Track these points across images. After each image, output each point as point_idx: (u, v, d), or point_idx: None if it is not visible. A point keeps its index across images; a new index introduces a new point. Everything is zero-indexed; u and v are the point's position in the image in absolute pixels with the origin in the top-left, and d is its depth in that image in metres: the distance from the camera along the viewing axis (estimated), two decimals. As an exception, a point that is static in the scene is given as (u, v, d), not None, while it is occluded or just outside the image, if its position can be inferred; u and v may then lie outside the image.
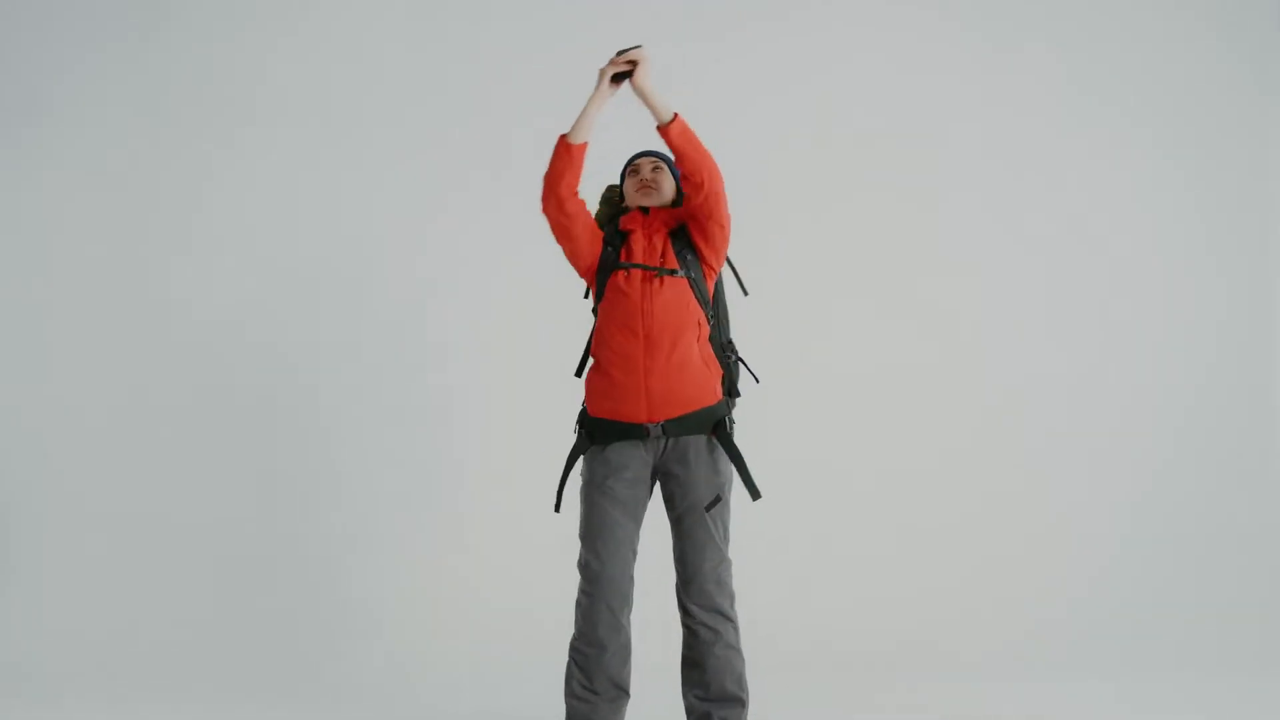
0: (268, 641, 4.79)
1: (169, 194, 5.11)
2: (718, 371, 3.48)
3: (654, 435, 3.40)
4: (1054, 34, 5.48)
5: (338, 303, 5.10)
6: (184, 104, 5.12)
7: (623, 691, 3.49)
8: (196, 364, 5.05)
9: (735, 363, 3.59)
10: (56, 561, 4.95)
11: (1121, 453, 5.38)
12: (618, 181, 3.71)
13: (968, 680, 4.60)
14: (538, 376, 4.48)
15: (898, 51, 5.40)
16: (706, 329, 3.45)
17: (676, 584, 3.51)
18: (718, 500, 3.40)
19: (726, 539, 3.46)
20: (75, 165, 5.09)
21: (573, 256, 3.55)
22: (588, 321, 3.67)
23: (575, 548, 3.57)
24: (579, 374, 3.58)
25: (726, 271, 3.65)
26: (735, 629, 3.44)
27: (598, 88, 3.39)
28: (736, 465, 3.42)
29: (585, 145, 3.42)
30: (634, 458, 3.45)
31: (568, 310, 3.97)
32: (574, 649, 3.50)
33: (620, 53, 3.37)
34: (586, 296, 3.65)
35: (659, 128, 3.36)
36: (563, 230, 3.48)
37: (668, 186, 3.57)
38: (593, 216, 3.57)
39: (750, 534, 4.87)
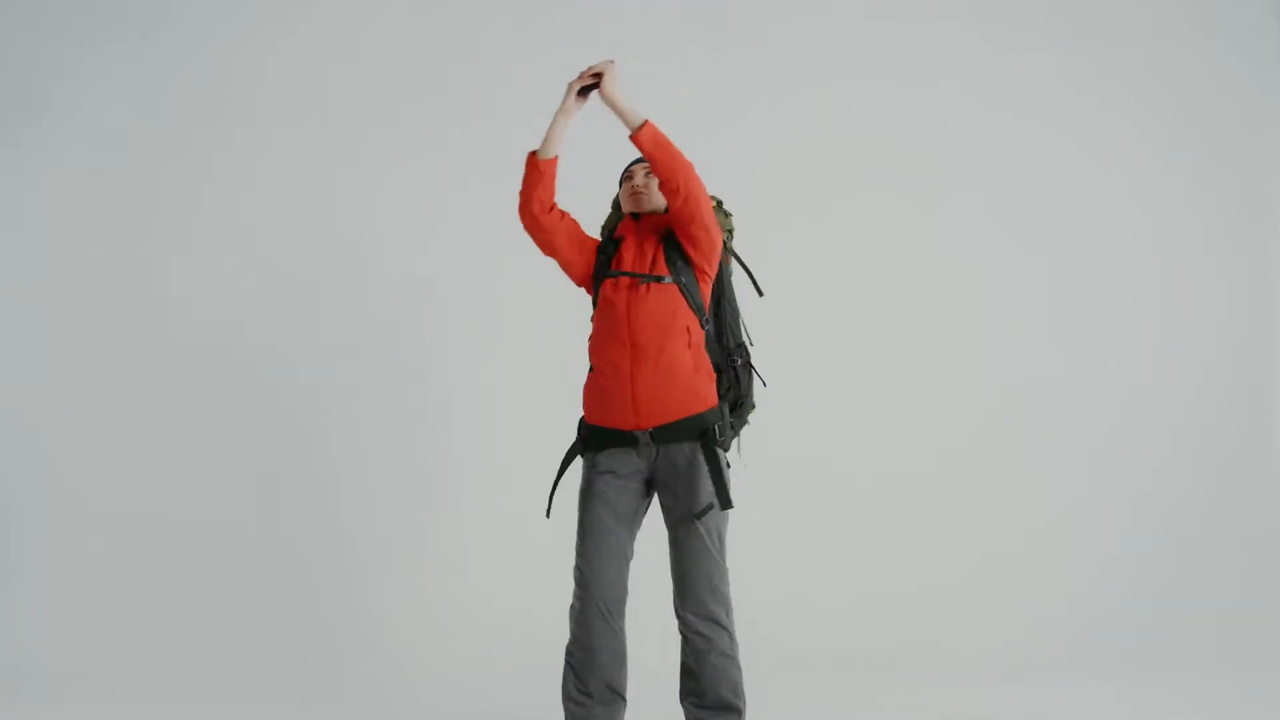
0: (268, 641, 4.79)
1: (169, 194, 5.11)
2: (710, 378, 3.46)
3: (643, 442, 3.40)
4: (1054, 35, 5.48)
5: (338, 303, 5.10)
6: (184, 104, 5.12)
7: (618, 696, 3.49)
8: (196, 364, 5.05)
9: (743, 367, 3.56)
10: (56, 561, 4.95)
11: (1121, 453, 5.39)
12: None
13: (968, 680, 4.61)
14: (538, 377, 4.48)
15: (898, 52, 5.41)
16: (699, 334, 3.44)
17: (673, 591, 3.51)
18: (710, 508, 3.38)
19: (722, 547, 3.44)
20: (75, 165, 5.09)
21: (565, 268, 3.57)
22: (588, 321, 3.67)
23: (574, 549, 3.57)
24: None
25: (740, 273, 3.65)
26: (730, 637, 3.43)
27: (564, 102, 3.42)
28: (713, 475, 3.37)
29: (554, 160, 3.45)
30: (626, 464, 3.45)
31: (568, 310, 3.98)
32: (568, 653, 3.52)
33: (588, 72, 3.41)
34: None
35: (630, 136, 3.37)
36: (544, 243, 3.53)
37: (659, 193, 3.57)
38: (580, 227, 3.58)
39: (751, 534, 4.88)
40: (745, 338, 3.65)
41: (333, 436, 5.07)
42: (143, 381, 5.05)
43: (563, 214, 3.53)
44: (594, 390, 3.48)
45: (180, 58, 5.12)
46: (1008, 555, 5.20)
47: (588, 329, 3.62)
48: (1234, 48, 5.55)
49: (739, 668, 3.45)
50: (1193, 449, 5.45)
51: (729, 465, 3.48)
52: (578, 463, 3.60)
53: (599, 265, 3.52)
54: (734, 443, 3.62)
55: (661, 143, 3.36)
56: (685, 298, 3.42)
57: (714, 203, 3.58)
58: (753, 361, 3.61)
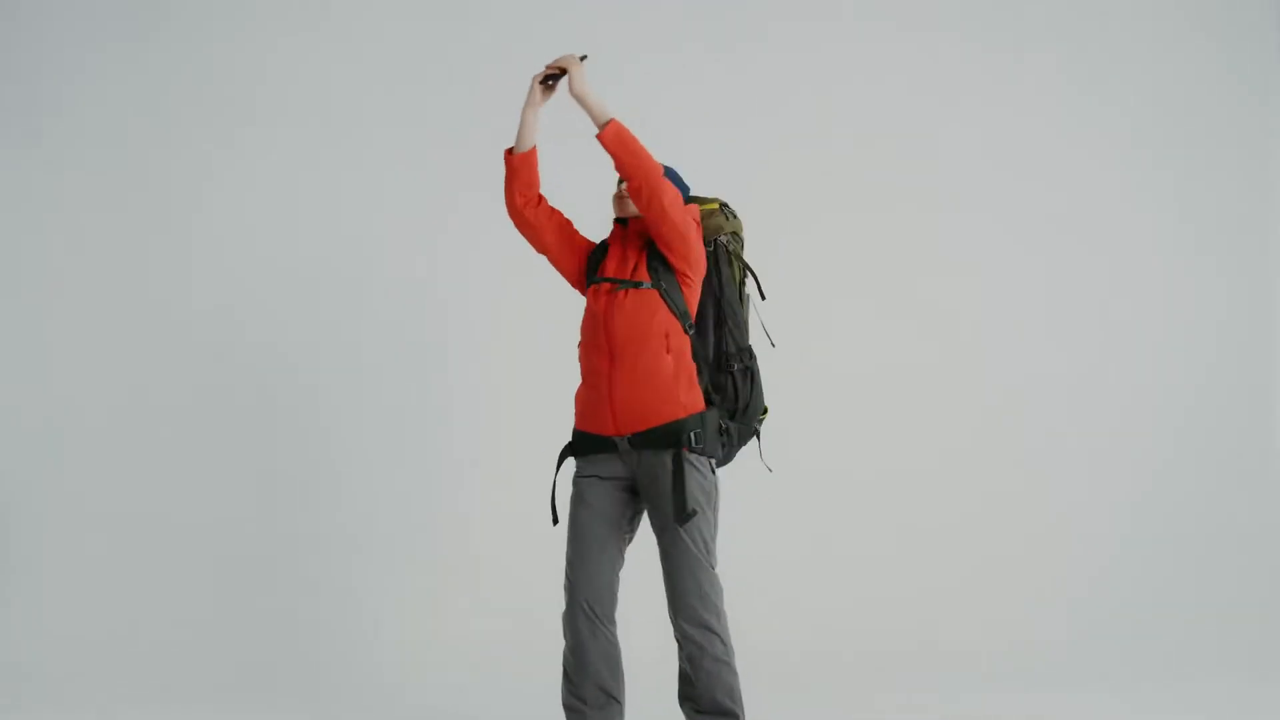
0: (268, 641, 4.78)
1: (169, 194, 5.10)
2: (693, 384, 3.42)
3: (622, 449, 3.40)
4: (1053, 37, 5.49)
5: (338, 302, 5.10)
6: (184, 104, 5.11)
7: (612, 700, 3.48)
8: (197, 364, 5.04)
9: (741, 372, 3.53)
10: (56, 561, 4.94)
11: (1121, 453, 5.39)
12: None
13: (967, 681, 4.61)
14: (538, 377, 4.48)
15: (898, 54, 5.41)
16: (681, 340, 3.41)
17: (666, 598, 3.51)
18: (694, 514, 3.36)
19: (709, 552, 3.41)
20: (75, 165, 5.08)
21: (555, 266, 3.59)
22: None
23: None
24: None
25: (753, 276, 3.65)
26: (723, 643, 3.40)
27: (529, 94, 3.44)
28: (675, 483, 3.34)
29: (527, 153, 3.46)
30: (611, 469, 3.45)
31: (568, 312, 3.97)
32: (563, 658, 3.53)
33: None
34: None
35: (596, 135, 3.37)
36: (533, 239, 3.55)
37: None
38: (572, 226, 3.58)
39: (751, 534, 4.90)
40: (767, 339, 3.63)
41: (332, 436, 5.07)
42: (143, 381, 5.05)
43: (552, 211, 3.53)
44: (580, 396, 3.49)
45: (180, 58, 5.11)
46: (1008, 555, 5.20)
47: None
48: (1233, 49, 5.56)
49: (734, 672, 3.43)
50: (1193, 449, 5.45)
51: (714, 472, 3.45)
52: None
53: (588, 271, 3.52)
54: (754, 448, 3.60)
55: (626, 142, 3.34)
56: (666, 303, 3.40)
57: (715, 205, 3.56)
58: (753, 366, 3.56)
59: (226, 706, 4.41)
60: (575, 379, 3.65)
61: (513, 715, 4.31)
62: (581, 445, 3.48)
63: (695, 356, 3.44)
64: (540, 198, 3.54)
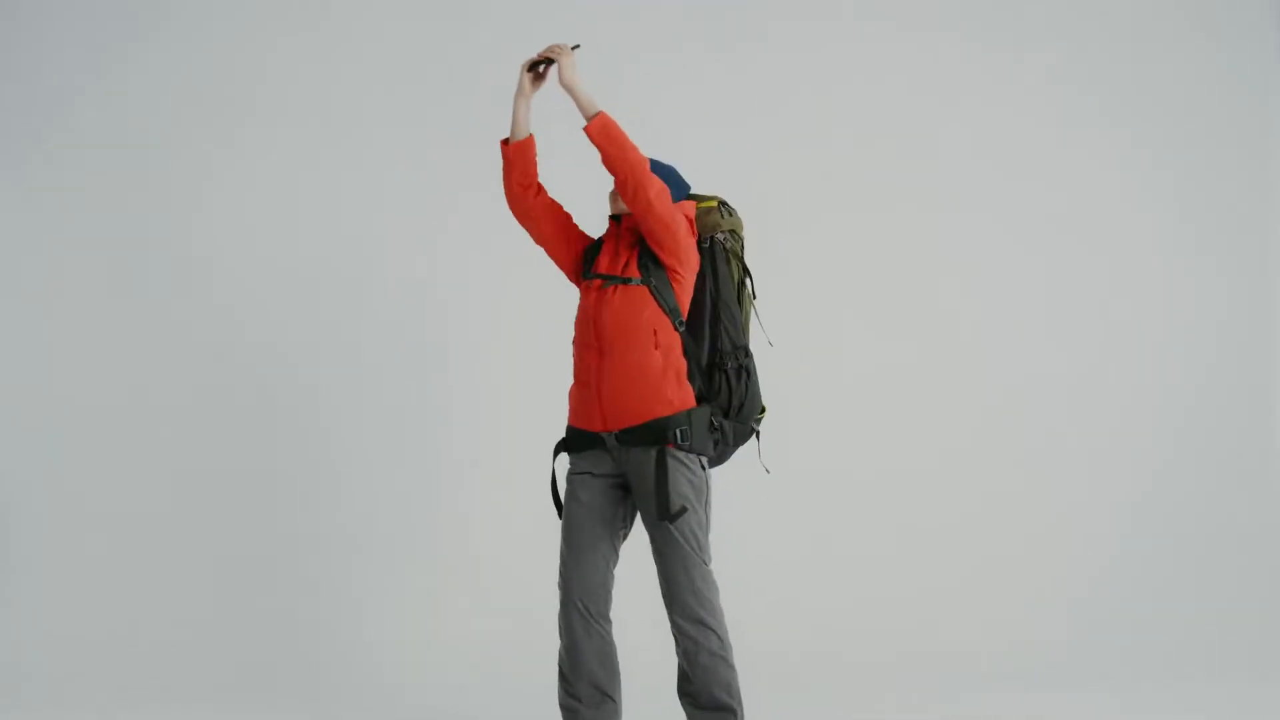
0: (268, 642, 4.78)
1: (169, 194, 5.10)
2: (682, 381, 3.41)
3: (610, 445, 3.40)
4: (1054, 38, 5.49)
5: (337, 303, 5.09)
6: (184, 104, 5.10)
7: (607, 698, 3.48)
8: (197, 364, 5.04)
9: (735, 370, 3.51)
10: (55, 561, 4.93)
11: (1121, 453, 5.39)
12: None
13: (967, 682, 4.61)
14: (538, 376, 4.47)
15: (898, 55, 5.40)
16: (670, 337, 3.40)
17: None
18: (683, 511, 3.36)
19: (701, 548, 3.40)
20: (74, 165, 5.07)
21: (554, 259, 3.59)
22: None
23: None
24: None
25: (757, 274, 3.64)
26: (719, 637, 3.40)
27: (519, 82, 3.45)
28: (658, 481, 3.34)
29: (521, 143, 3.48)
30: (601, 466, 3.46)
31: (569, 310, 3.97)
32: (559, 656, 3.54)
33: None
34: None
35: (583, 127, 3.37)
36: (531, 230, 3.56)
37: None
38: (571, 220, 3.59)
39: (750, 535, 4.91)
40: (765, 338, 3.63)
41: (332, 436, 5.07)
42: (142, 381, 5.04)
43: (551, 203, 3.55)
44: (572, 392, 3.50)
45: (180, 57, 5.11)
46: (1007, 555, 5.20)
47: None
48: (1233, 49, 5.56)
49: (730, 667, 3.42)
50: (1193, 449, 5.45)
51: (704, 468, 3.44)
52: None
53: (584, 268, 3.53)
54: (754, 449, 3.60)
55: (611, 135, 3.34)
56: (655, 299, 3.40)
57: (713, 203, 3.56)
58: (749, 365, 3.55)
59: (226, 707, 4.42)
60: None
61: (513, 715, 4.31)
62: (573, 441, 3.48)
63: (686, 353, 3.44)
64: (539, 189, 3.54)
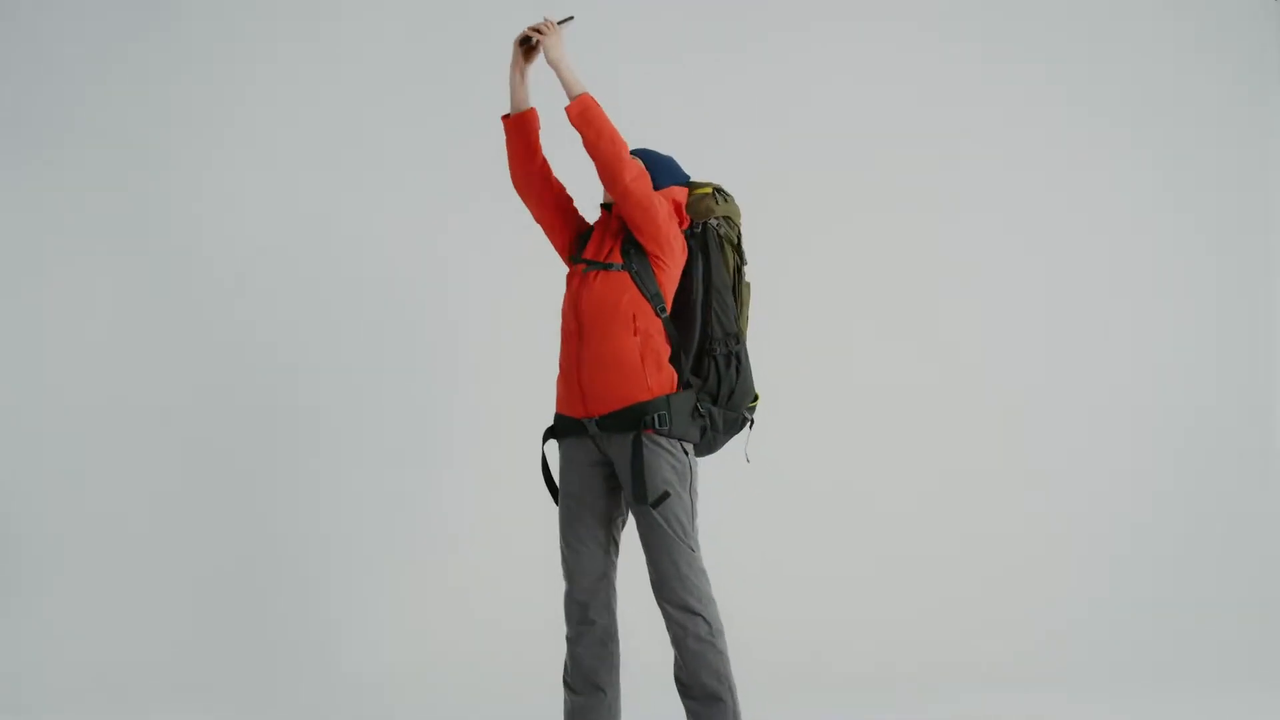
0: (267, 642, 4.79)
1: (169, 194, 5.10)
2: (661, 367, 3.39)
3: (592, 431, 3.40)
4: (1053, 41, 5.49)
5: (338, 303, 5.09)
6: (184, 104, 5.10)
7: (598, 689, 3.48)
8: (196, 364, 5.02)
9: (725, 357, 3.50)
10: (55, 563, 4.93)
11: (1122, 454, 5.38)
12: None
13: (969, 697, 4.59)
14: (538, 377, 4.47)
15: (899, 66, 5.41)
16: (650, 322, 3.38)
17: None
18: (665, 496, 3.35)
19: (687, 534, 3.39)
20: (74, 165, 5.07)
21: (550, 240, 3.61)
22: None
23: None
24: None
25: (754, 264, 3.63)
26: (707, 622, 3.38)
27: (512, 56, 3.47)
28: (634, 466, 3.32)
29: (517, 116, 3.49)
30: (584, 452, 3.46)
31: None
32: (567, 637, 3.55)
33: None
34: None
35: (565, 107, 3.38)
36: (532, 208, 3.58)
37: None
38: (573, 203, 3.60)
39: (750, 549, 4.92)
40: (756, 327, 3.62)
41: (332, 436, 5.05)
42: (142, 381, 5.02)
43: (554, 184, 3.56)
44: (558, 380, 3.51)
45: (181, 58, 5.11)
46: (1008, 559, 5.20)
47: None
48: (1233, 51, 5.56)
49: (719, 653, 3.40)
50: (1194, 451, 5.46)
51: (687, 453, 3.42)
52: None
53: (574, 253, 3.54)
54: (743, 439, 3.60)
55: (589, 118, 3.35)
56: (636, 284, 3.39)
57: (708, 189, 3.55)
58: (739, 351, 3.53)
59: (226, 708, 4.42)
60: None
61: (512, 715, 4.30)
62: (559, 428, 3.49)
63: (670, 339, 3.42)
64: (545, 167, 3.55)
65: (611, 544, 3.51)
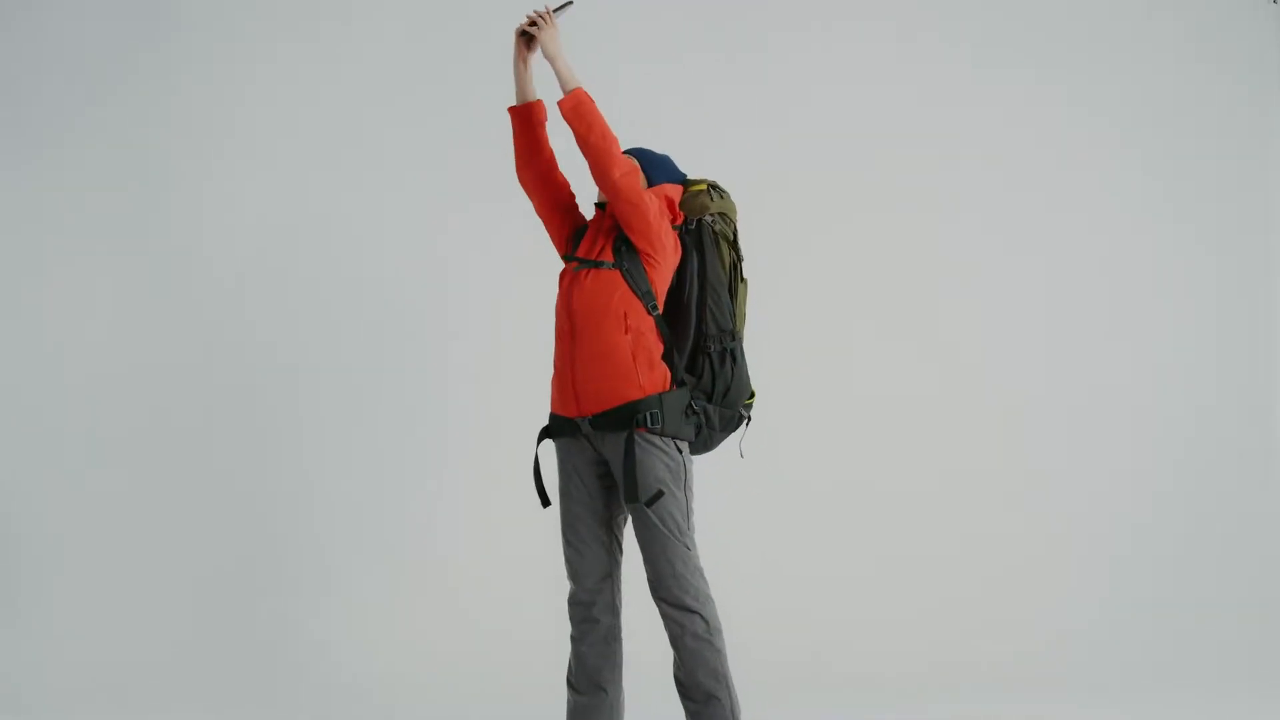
0: (266, 645, 4.79)
1: (169, 194, 5.10)
2: (653, 365, 3.37)
3: (586, 430, 3.39)
4: (1053, 42, 5.49)
5: (338, 303, 5.09)
6: (185, 105, 5.11)
7: (600, 689, 3.47)
8: (195, 365, 5.03)
9: (719, 354, 3.48)
10: (54, 566, 4.93)
11: (1125, 468, 5.37)
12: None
13: (969, 697, 4.59)
14: (538, 377, 4.47)
15: (899, 66, 5.40)
16: (642, 320, 3.37)
17: None
18: (659, 495, 3.34)
19: (683, 532, 3.37)
20: (75, 165, 5.08)
21: (550, 236, 3.59)
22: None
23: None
24: None
25: (751, 261, 3.62)
26: (704, 620, 3.37)
27: (514, 46, 3.47)
28: (626, 465, 3.31)
29: (520, 107, 3.49)
30: (579, 451, 3.45)
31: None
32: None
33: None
34: None
35: (558, 102, 3.39)
36: (533, 200, 3.57)
37: None
38: (575, 200, 3.59)
39: (749, 551, 4.91)
40: (752, 323, 3.61)
41: (329, 437, 5.06)
42: (139, 382, 5.03)
43: (557, 178, 3.55)
44: (553, 379, 3.49)
45: (181, 58, 5.11)
46: (1008, 561, 5.19)
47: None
48: (1234, 54, 5.55)
49: (717, 651, 3.39)
50: (1195, 466, 5.44)
51: (681, 451, 3.40)
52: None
53: (569, 251, 3.53)
54: (739, 437, 3.58)
55: (582, 113, 3.35)
56: (627, 282, 3.38)
57: (703, 186, 3.54)
58: (734, 349, 3.51)
59: (226, 708, 4.42)
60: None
61: (512, 715, 4.30)
62: (553, 428, 3.48)
63: (662, 337, 3.41)
64: (551, 161, 3.54)
65: (614, 543, 3.50)
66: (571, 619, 3.49)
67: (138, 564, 4.91)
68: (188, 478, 4.99)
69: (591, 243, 3.47)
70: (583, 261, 3.43)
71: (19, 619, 4.85)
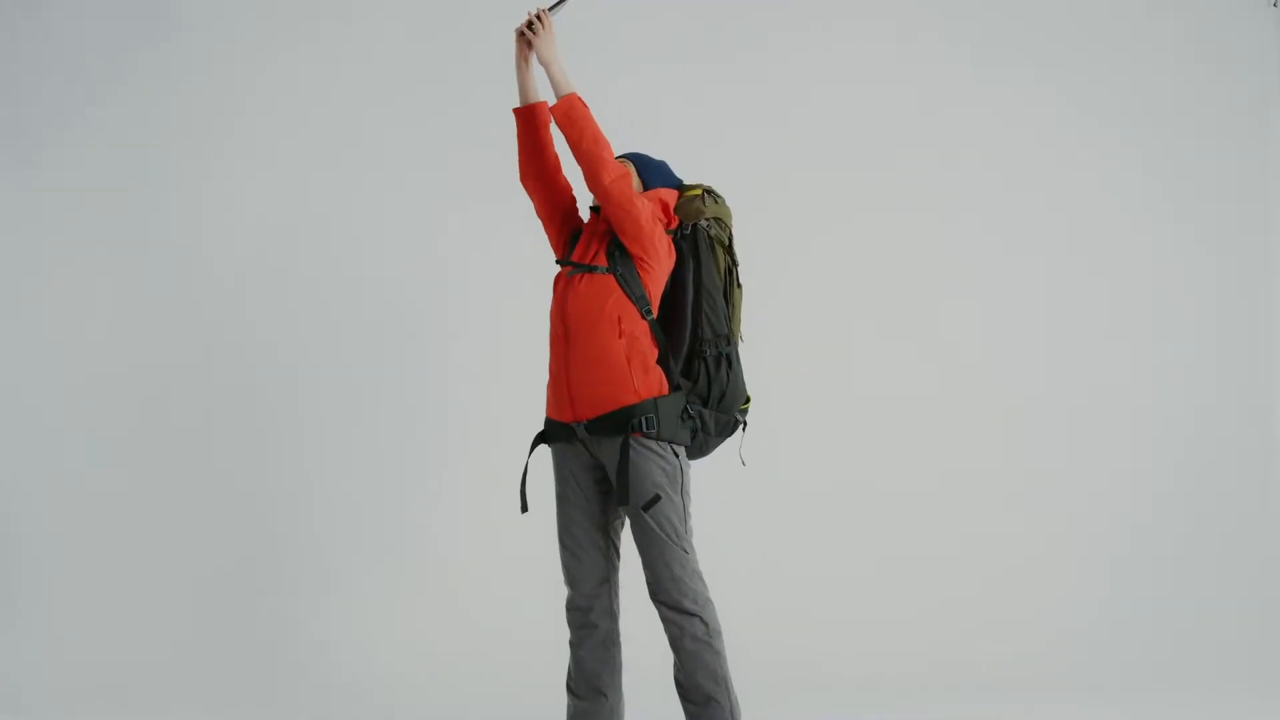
0: (266, 645, 4.80)
1: (169, 195, 5.10)
2: (647, 370, 3.37)
3: (581, 435, 3.38)
4: (1053, 43, 5.48)
5: (338, 303, 5.09)
6: (185, 105, 5.11)
7: (599, 694, 3.47)
8: (196, 365, 5.03)
9: (714, 359, 3.47)
10: (54, 566, 4.93)
11: (1125, 468, 5.37)
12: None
13: (969, 697, 4.59)
14: (538, 378, 4.47)
15: (899, 66, 5.40)
16: (636, 325, 3.36)
17: None
18: (656, 499, 3.34)
19: (680, 536, 3.37)
20: (75, 166, 5.08)
21: (549, 239, 3.59)
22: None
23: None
24: None
25: (746, 265, 3.62)
26: (703, 622, 3.37)
27: (515, 48, 3.47)
28: (619, 470, 3.31)
29: (523, 108, 3.49)
30: (574, 457, 3.45)
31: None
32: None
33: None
34: None
35: (550, 107, 3.39)
36: (534, 201, 3.57)
37: None
38: (575, 204, 3.58)
39: (749, 549, 4.91)
40: (746, 329, 3.61)
41: (329, 437, 5.06)
42: (139, 382, 5.03)
43: (558, 180, 3.54)
44: (548, 383, 3.49)
45: (182, 58, 5.11)
46: (1008, 562, 5.19)
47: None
48: (1234, 59, 5.55)
49: (716, 654, 3.39)
50: (1195, 466, 5.43)
51: (677, 455, 3.40)
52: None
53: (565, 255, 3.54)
54: (738, 444, 3.58)
55: (575, 118, 3.35)
56: (621, 287, 3.38)
57: (699, 191, 3.54)
58: (730, 353, 3.50)
59: (226, 708, 4.42)
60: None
61: (511, 715, 4.31)
62: (549, 432, 3.48)
63: (657, 342, 3.40)
64: (553, 164, 3.53)
65: (611, 548, 3.49)
66: (570, 624, 3.49)
67: (138, 564, 4.92)
68: (188, 478, 4.99)
69: (586, 247, 3.46)
70: (577, 266, 3.42)
71: (19, 619, 4.85)
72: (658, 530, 3.34)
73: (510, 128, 3.53)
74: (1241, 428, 5.49)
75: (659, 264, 3.41)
